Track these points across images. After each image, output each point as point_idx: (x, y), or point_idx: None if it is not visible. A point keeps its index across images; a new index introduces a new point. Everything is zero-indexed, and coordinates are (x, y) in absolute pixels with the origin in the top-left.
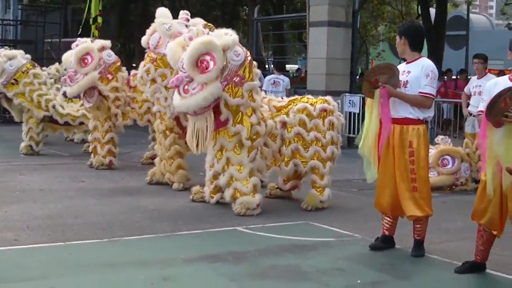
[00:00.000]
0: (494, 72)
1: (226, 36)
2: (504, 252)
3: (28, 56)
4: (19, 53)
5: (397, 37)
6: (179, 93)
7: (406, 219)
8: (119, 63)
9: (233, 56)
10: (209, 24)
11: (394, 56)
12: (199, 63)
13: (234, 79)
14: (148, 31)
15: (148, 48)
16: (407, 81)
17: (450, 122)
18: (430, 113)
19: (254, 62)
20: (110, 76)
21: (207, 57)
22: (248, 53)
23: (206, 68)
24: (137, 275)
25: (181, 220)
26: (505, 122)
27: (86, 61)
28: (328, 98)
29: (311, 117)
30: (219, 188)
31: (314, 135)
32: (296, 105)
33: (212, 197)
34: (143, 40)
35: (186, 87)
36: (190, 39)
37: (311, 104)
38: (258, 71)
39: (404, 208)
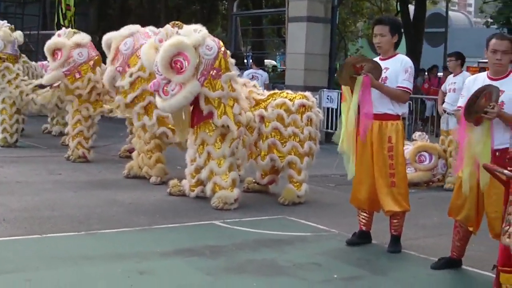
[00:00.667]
0: (473, 69)
1: (195, 32)
2: (480, 248)
3: None
4: None
5: (388, 34)
6: (160, 95)
7: (383, 214)
8: (96, 59)
9: (206, 51)
10: (176, 22)
11: (373, 53)
12: (173, 64)
13: (211, 72)
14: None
15: None
16: (386, 77)
17: (428, 119)
18: (406, 109)
19: (228, 52)
20: (78, 75)
21: (180, 58)
22: (221, 44)
23: (181, 68)
24: (114, 269)
25: (158, 213)
26: (484, 120)
27: (56, 56)
28: (307, 93)
29: (289, 112)
30: (200, 182)
31: (292, 130)
32: (275, 99)
33: (193, 191)
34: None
35: (165, 88)
36: (161, 41)
37: (290, 100)
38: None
39: (382, 203)
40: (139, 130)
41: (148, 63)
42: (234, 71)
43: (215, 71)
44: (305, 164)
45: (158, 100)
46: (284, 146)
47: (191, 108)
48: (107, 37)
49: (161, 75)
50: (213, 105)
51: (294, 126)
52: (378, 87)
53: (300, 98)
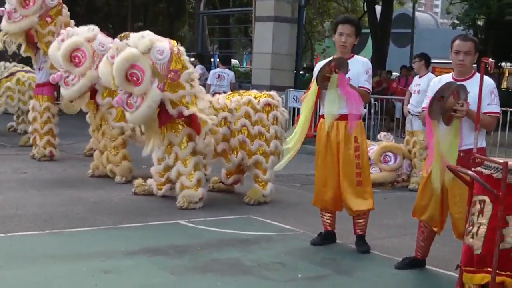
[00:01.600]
0: (439, 70)
1: (143, 39)
2: (444, 248)
3: None
4: None
5: (353, 35)
6: (126, 110)
7: (346, 214)
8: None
9: (157, 56)
10: (123, 34)
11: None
12: (129, 77)
13: (169, 76)
14: None
15: None
16: (349, 77)
17: (393, 119)
18: (364, 110)
19: (181, 48)
20: (49, 20)
21: (135, 70)
22: (173, 43)
23: (138, 80)
24: (79, 268)
25: (123, 213)
26: (454, 119)
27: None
28: (273, 93)
29: (255, 111)
30: (169, 180)
31: (258, 129)
32: (242, 98)
33: (160, 189)
34: None
35: (128, 102)
36: (112, 57)
37: (255, 98)
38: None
39: (349, 203)
40: (105, 127)
41: (107, 81)
42: (192, 68)
43: (172, 73)
44: (271, 163)
45: (126, 114)
46: (252, 144)
47: (157, 111)
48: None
49: (121, 90)
50: (180, 104)
51: (261, 125)
52: (348, 85)
53: (265, 97)
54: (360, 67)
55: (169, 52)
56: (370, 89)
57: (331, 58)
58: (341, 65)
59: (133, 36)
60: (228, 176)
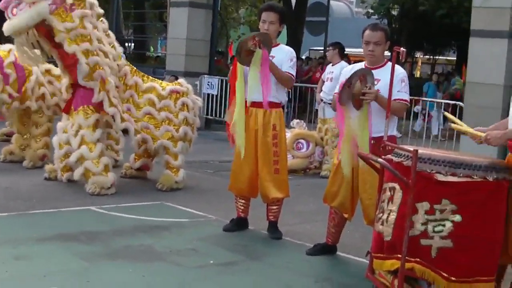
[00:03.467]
0: (353, 59)
1: None
2: (355, 235)
3: None
4: None
5: (277, 23)
6: (8, 17)
7: (259, 200)
8: None
9: None
10: None
11: None
12: None
13: (65, 5)
14: None
15: None
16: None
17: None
18: (286, 98)
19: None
20: None
21: None
22: None
23: None
24: None
25: (35, 198)
26: (364, 103)
27: None
28: (181, 80)
29: (161, 98)
30: (70, 167)
31: (166, 115)
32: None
33: (63, 175)
34: None
35: (14, 10)
36: None
37: (161, 86)
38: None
39: (265, 191)
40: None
41: None
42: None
43: (70, 5)
44: (180, 148)
45: (4, 24)
46: (158, 130)
47: (70, 95)
48: None
49: None
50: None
51: (168, 111)
52: (272, 65)
53: (172, 85)
54: (284, 55)
55: None
56: (294, 75)
57: (254, 32)
58: (265, 41)
59: None
60: (136, 160)
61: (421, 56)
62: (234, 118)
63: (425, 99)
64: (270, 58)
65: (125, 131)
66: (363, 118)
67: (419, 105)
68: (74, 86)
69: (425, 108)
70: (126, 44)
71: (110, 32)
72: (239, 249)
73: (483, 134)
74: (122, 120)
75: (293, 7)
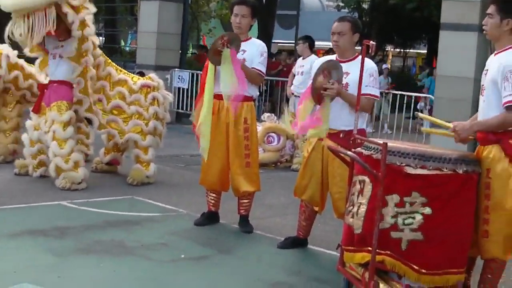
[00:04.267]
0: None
1: None
2: (325, 228)
3: None
4: None
5: (249, 16)
6: None
7: (231, 194)
8: None
9: None
10: None
11: None
12: None
13: None
14: None
15: None
16: (244, 59)
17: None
18: (257, 92)
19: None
20: None
21: None
22: None
23: None
24: None
25: (5, 194)
26: (325, 98)
27: None
28: (152, 75)
29: (132, 92)
30: (44, 162)
31: (136, 109)
32: (119, 79)
33: (36, 171)
34: None
35: None
36: None
37: (132, 80)
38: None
39: (237, 184)
40: (4, 108)
41: None
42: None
43: None
44: (150, 142)
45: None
46: (126, 124)
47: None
48: None
49: None
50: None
51: (138, 106)
52: (239, 63)
53: (143, 79)
54: (255, 50)
55: None
56: (264, 72)
57: (224, 32)
58: (233, 40)
59: None
60: (106, 154)
61: (392, 50)
62: (200, 119)
63: (425, 95)
64: (241, 52)
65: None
66: (325, 112)
67: (421, 101)
68: (42, 86)
69: (429, 104)
70: (98, 38)
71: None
72: (210, 243)
73: (451, 125)
74: (90, 110)
75: (264, 1)
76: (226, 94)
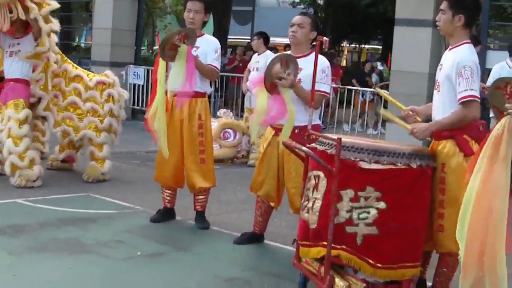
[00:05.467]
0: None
1: None
2: (282, 223)
3: None
4: None
5: (202, 12)
6: None
7: (187, 190)
8: None
9: None
10: None
11: None
12: None
13: None
14: None
15: None
16: (197, 55)
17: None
18: (210, 88)
19: None
20: None
21: None
22: None
23: None
24: None
25: None
26: (280, 88)
27: None
28: (108, 72)
29: (87, 88)
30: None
31: (91, 106)
32: (76, 74)
33: None
34: None
35: None
36: None
37: (88, 76)
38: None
39: (192, 180)
40: None
41: None
42: None
43: None
44: (104, 139)
45: None
46: (81, 121)
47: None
48: None
49: None
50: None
51: (93, 102)
52: (195, 61)
53: (99, 76)
54: (208, 46)
55: None
56: (218, 67)
57: (181, 28)
58: (190, 36)
59: None
60: (60, 152)
61: (347, 45)
62: (156, 118)
63: (370, 89)
64: (194, 49)
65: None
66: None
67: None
68: None
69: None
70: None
71: None
72: (166, 240)
73: (409, 127)
74: (47, 108)
75: None
76: (173, 90)
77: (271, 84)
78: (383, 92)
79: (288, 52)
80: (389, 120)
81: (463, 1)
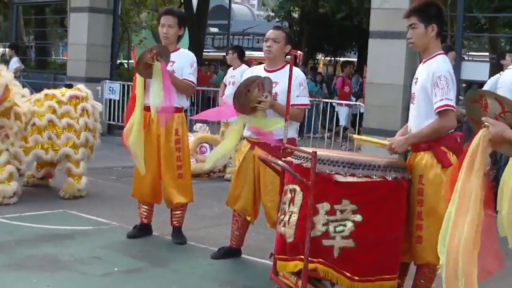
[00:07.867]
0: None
1: None
2: (259, 237)
3: None
4: None
5: (176, 26)
6: None
7: (164, 206)
8: None
9: None
10: None
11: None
12: None
13: None
14: None
15: None
16: (173, 70)
17: None
18: (187, 102)
19: None
20: None
21: None
22: None
23: None
24: None
25: None
26: (258, 110)
27: None
28: (80, 86)
29: (61, 104)
30: None
31: (67, 121)
32: (45, 94)
33: None
34: None
35: None
36: None
37: (60, 92)
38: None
39: (169, 196)
40: None
41: None
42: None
43: None
44: (81, 155)
45: None
46: (59, 138)
47: None
48: None
49: None
50: None
51: (68, 117)
52: (171, 76)
53: (71, 91)
54: (184, 61)
55: None
56: (195, 82)
57: (153, 45)
58: (162, 53)
59: None
60: (39, 169)
61: (323, 58)
62: (132, 134)
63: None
64: (170, 64)
65: None
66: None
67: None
68: None
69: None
70: (27, 51)
71: None
72: (143, 256)
73: (387, 142)
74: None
75: (195, 11)
76: (154, 107)
77: (251, 109)
78: (360, 137)
79: (262, 66)
80: (363, 145)
81: (430, 11)
